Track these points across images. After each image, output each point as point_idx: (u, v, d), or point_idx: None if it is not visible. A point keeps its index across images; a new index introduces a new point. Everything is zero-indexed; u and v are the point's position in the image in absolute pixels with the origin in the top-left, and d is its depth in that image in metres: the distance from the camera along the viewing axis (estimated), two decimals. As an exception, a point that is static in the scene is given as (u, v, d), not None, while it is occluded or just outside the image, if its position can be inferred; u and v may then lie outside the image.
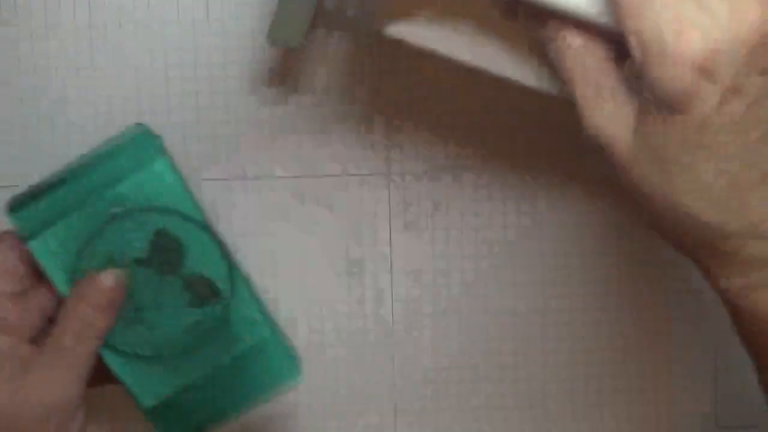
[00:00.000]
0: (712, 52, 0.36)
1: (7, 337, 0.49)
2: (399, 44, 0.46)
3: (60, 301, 0.50)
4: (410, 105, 0.58)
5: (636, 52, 0.37)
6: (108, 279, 0.50)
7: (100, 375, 0.51)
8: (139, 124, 0.54)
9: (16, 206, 0.50)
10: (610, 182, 0.43)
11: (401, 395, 0.60)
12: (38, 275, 0.51)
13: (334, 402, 0.60)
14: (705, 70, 0.36)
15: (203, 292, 0.51)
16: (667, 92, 0.37)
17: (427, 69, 0.57)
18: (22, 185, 0.51)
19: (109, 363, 0.51)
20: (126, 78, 0.57)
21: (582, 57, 0.40)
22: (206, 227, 0.51)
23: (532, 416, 0.60)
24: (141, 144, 0.51)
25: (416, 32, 0.52)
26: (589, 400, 0.60)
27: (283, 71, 0.58)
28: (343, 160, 0.58)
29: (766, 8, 0.36)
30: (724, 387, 0.59)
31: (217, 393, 0.53)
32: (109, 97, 0.57)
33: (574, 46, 0.40)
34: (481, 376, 0.60)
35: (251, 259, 0.56)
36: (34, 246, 0.50)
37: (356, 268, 0.59)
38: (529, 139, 0.58)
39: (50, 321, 0.51)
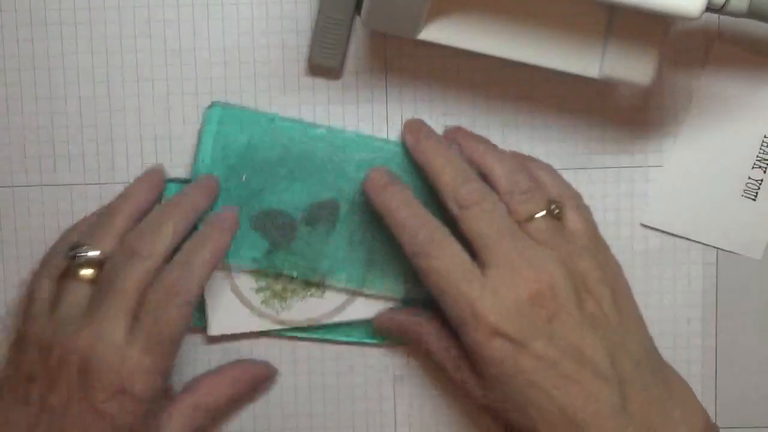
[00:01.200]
0: (495, 316, 0.50)
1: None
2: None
3: None
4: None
5: (449, 313, 0.51)
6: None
7: None
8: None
9: None
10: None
11: None
12: None
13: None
14: (496, 331, 0.50)
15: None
16: (481, 354, 0.50)
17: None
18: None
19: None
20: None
21: (441, 353, 0.55)
22: None
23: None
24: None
25: (450, 34, 0.53)
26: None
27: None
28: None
29: (537, 270, 0.50)
30: (724, 387, 0.59)
31: None
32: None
33: (435, 347, 0.55)
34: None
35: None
36: None
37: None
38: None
39: None
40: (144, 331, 0.51)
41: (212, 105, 0.57)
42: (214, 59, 0.58)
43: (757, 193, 0.58)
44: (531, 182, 0.54)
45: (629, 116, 0.58)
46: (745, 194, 0.58)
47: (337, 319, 0.58)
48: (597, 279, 0.53)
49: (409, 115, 0.58)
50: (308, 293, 0.58)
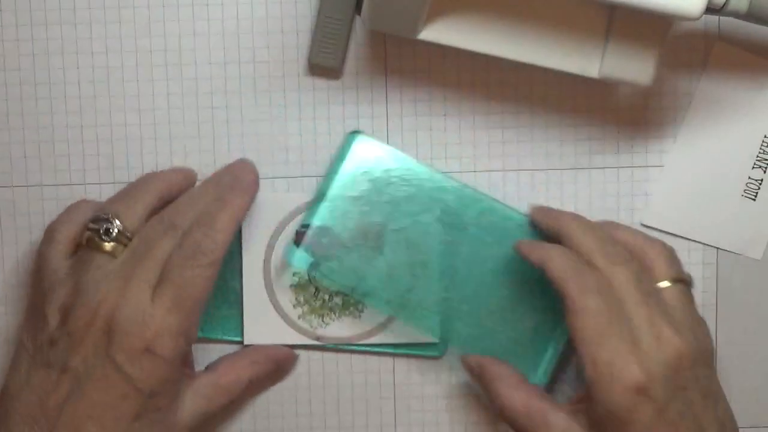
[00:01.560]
0: (646, 375, 0.50)
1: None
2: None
3: None
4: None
5: (589, 374, 0.50)
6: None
7: None
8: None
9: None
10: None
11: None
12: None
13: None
14: (642, 390, 0.50)
15: None
16: (614, 409, 0.50)
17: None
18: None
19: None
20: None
21: (527, 406, 0.53)
22: None
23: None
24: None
25: (450, 34, 0.53)
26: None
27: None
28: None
29: (681, 337, 0.51)
30: (724, 387, 0.59)
31: None
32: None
33: (518, 400, 0.54)
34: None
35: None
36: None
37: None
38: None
39: None
40: (168, 291, 0.51)
41: (354, 132, 0.58)
42: (214, 59, 0.58)
43: (757, 193, 0.58)
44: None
45: (629, 116, 0.58)
46: (745, 194, 0.58)
47: (371, 340, 0.58)
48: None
49: (409, 114, 0.58)
50: (346, 312, 0.58)
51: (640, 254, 0.54)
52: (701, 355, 0.52)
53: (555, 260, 0.53)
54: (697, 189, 0.58)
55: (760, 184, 0.58)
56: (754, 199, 0.58)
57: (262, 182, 0.57)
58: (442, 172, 0.57)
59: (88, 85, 0.58)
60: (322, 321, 0.58)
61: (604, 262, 0.53)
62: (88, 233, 0.53)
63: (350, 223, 0.56)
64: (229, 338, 0.58)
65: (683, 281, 0.54)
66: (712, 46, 0.58)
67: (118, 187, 0.57)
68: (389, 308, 0.57)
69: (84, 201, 0.56)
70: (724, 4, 0.50)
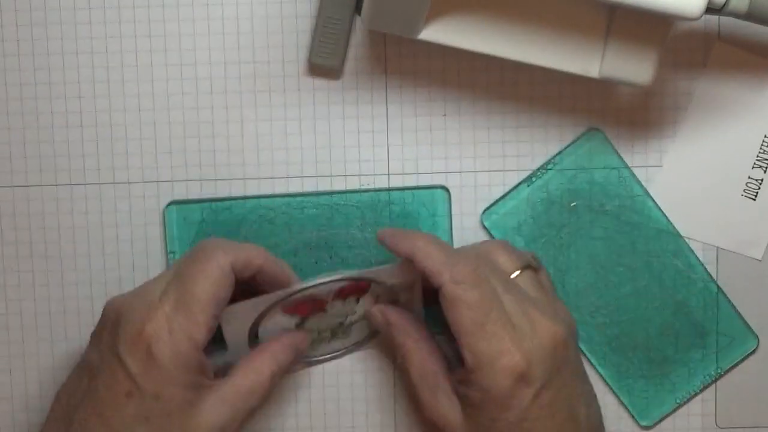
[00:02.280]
0: (526, 362, 0.50)
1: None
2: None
3: None
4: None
5: (469, 363, 0.51)
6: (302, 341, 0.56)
7: None
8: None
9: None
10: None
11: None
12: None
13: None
14: (523, 376, 0.50)
15: None
16: (494, 395, 0.51)
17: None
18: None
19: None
20: (126, 78, 0.58)
21: (423, 366, 0.54)
22: None
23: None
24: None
25: (450, 34, 0.53)
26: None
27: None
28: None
29: (553, 321, 0.52)
30: (724, 387, 0.59)
31: None
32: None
33: (416, 358, 0.54)
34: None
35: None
36: None
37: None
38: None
39: None
40: (174, 288, 0.51)
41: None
42: (214, 59, 0.58)
43: (757, 192, 0.58)
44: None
45: (629, 116, 0.58)
46: (745, 194, 0.58)
47: (356, 351, 0.59)
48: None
49: (409, 114, 0.58)
50: (335, 338, 0.58)
51: (485, 255, 0.54)
52: (572, 335, 0.53)
53: (424, 250, 0.52)
54: (697, 189, 0.58)
55: (760, 184, 0.58)
56: (754, 199, 0.58)
57: (262, 182, 0.57)
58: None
59: (88, 85, 0.58)
60: (312, 349, 0.58)
61: (456, 281, 0.52)
62: None
63: None
64: None
65: (530, 267, 0.55)
66: (712, 46, 0.58)
67: (118, 188, 0.58)
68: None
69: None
70: (724, 4, 0.50)
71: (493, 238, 0.58)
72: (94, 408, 0.50)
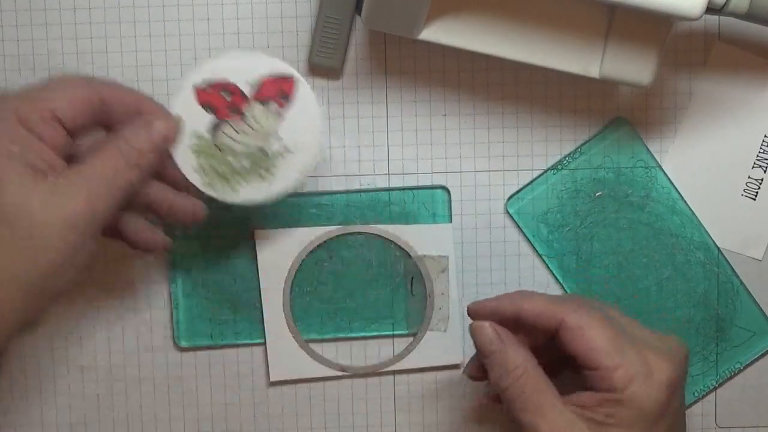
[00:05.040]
0: (675, 371, 0.51)
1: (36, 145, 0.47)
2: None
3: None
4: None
5: (618, 382, 0.50)
6: (160, 125, 0.50)
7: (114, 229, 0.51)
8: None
9: None
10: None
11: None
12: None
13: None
14: (673, 384, 0.50)
15: None
16: (649, 409, 0.50)
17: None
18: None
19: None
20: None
21: (538, 386, 0.51)
22: None
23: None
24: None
25: (450, 34, 0.53)
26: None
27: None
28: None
29: (676, 340, 0.53)
30: (724, 387, 0.59)
31: None
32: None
33: (531, 379, 0.52)
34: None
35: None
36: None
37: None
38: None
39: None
40: None
41: None
42: (214, 59, 0.58)
43: (757, 192, 0.58)
44: None
45: (629, 116, 0.58)
46: (745, 194, 0.58)
47: (397, 366, 0.59)
48: None
49: (409, 114, 0.58)
50: (256, 174, 0.53)
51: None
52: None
53: (527, 297, 0.53)
54: (697, 189, 0.58)
55: (760, 184, 0.58)
56: (755, 199, 0.58)
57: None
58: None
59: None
60: (230, 186, 0.53)
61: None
62: None
63: None
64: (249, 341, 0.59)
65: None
66: (712, 46, 0.58)
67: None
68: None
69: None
70: (724, 4, 0.50)
71: (518, 225, 0.58)
72: None
